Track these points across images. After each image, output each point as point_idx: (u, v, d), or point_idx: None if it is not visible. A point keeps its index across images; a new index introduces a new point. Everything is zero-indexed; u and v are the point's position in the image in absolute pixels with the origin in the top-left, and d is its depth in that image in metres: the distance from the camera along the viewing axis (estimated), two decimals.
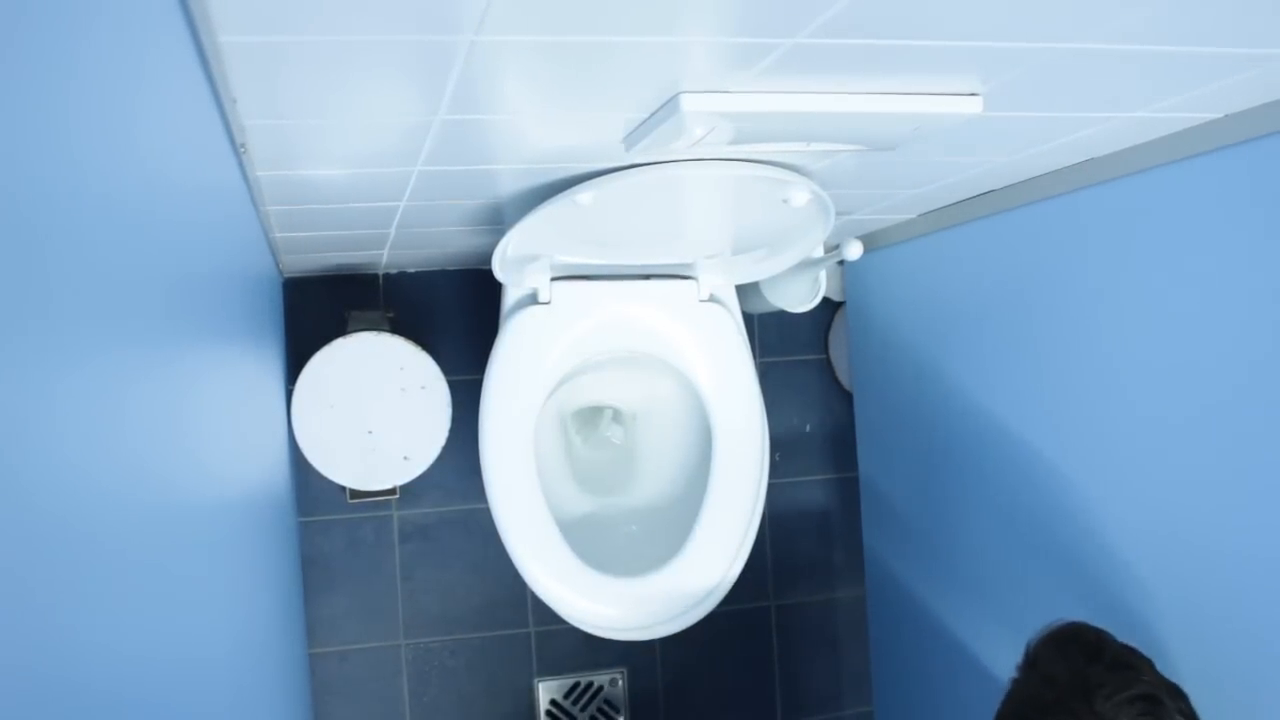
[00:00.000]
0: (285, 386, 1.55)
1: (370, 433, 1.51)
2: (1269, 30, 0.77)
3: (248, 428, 1.01)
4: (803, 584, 1.92)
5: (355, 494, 1.69)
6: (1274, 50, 0.81)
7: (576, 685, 1.78)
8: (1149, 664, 0.98)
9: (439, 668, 1.75)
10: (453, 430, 1.53)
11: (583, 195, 1.12)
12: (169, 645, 0.55)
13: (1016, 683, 1.04)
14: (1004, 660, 1.42)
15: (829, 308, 1.89)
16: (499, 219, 1.33)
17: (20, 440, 0.32)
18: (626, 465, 1.70)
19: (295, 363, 1.56)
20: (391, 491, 1.71)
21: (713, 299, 1.50)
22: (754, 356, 1.54)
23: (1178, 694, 0.94)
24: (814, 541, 1.93)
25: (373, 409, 1.51)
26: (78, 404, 0.39)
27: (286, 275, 1.68)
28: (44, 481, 0.34)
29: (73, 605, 0.37)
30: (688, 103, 0.85)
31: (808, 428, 1.93)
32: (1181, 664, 1.10)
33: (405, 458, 1.52)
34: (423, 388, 1.53)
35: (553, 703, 1.79)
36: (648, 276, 1.49)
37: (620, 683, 1.80)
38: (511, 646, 1.78)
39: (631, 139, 0.97)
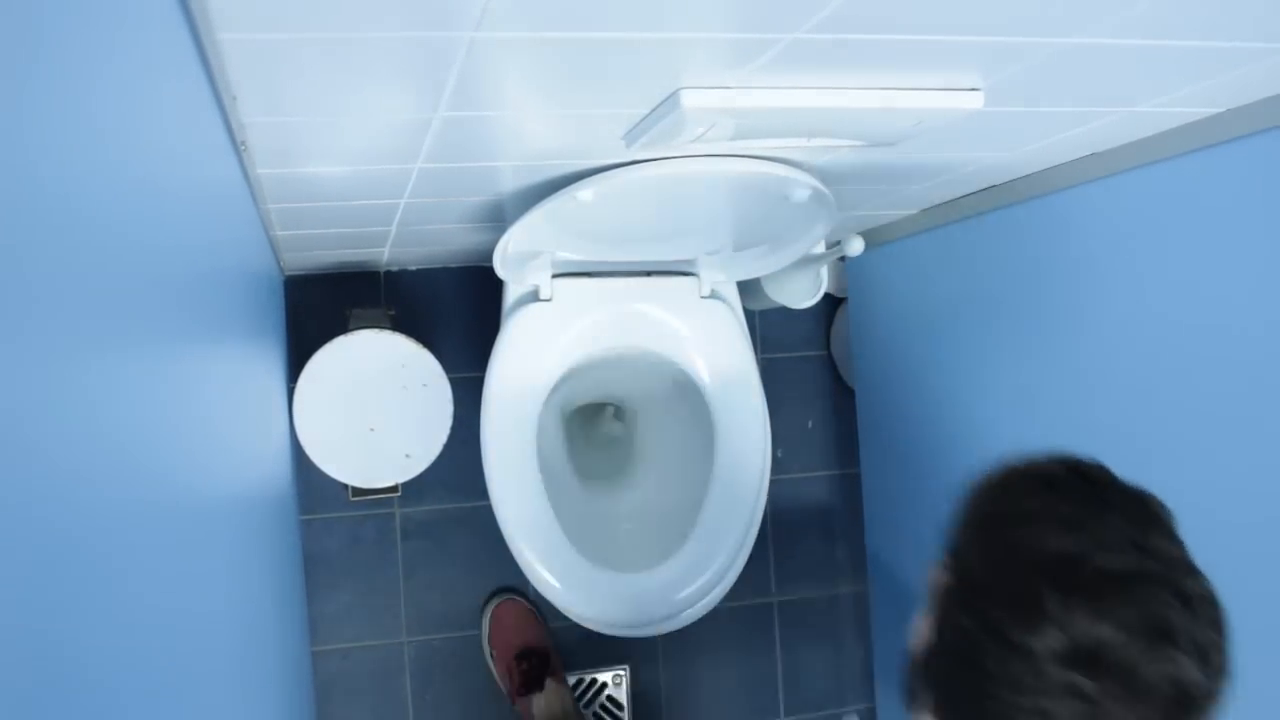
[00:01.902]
0: (286, 385, 1.55)
1: (372, 430, 1.51)
2: (1270, 24, 0.77)
3: (249, 426, 1.01)
4: (805, 580, 1.92)
5: (357, 492, 1.69)
6: (1274, 44, 0.81)
7: (579, 682, 1.78)
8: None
9: (441, 665, 1.75)
10: (454, 428, 1.53)
11: (583, 192, 1.12)
12: (171, 643, 0.55)
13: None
14: None
15: (831, 304, 1.89)
16: (500, 216, 1.33)
17: (22, 438, 0.32)
18: (628, 462, 1.70)
19: (297, 361, 1.56)
20: (393, 489, 1.71)
21: (714, 295, 1.50)
22: (756, 353, 1.54)
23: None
24: (816, 538, 1.93)
25: (374, 407, 1.51)
26: (78, 402, 0.39)
27: (288, 273, 1.68)
28: (46, 480, 0.34)
29: (76, 602, 0.37)
30: (687, 99, 0.85)
31: (810, 424, 1.93)
32: None
33: (407, 455, 1.52)
34: (424, 385, 1.53)
35: None
36: (649, 273, 1.49)
37: (623, 680, 1.80)
38: None
39: (632, 135, 0.97)
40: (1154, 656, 0.61)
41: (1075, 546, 0.64)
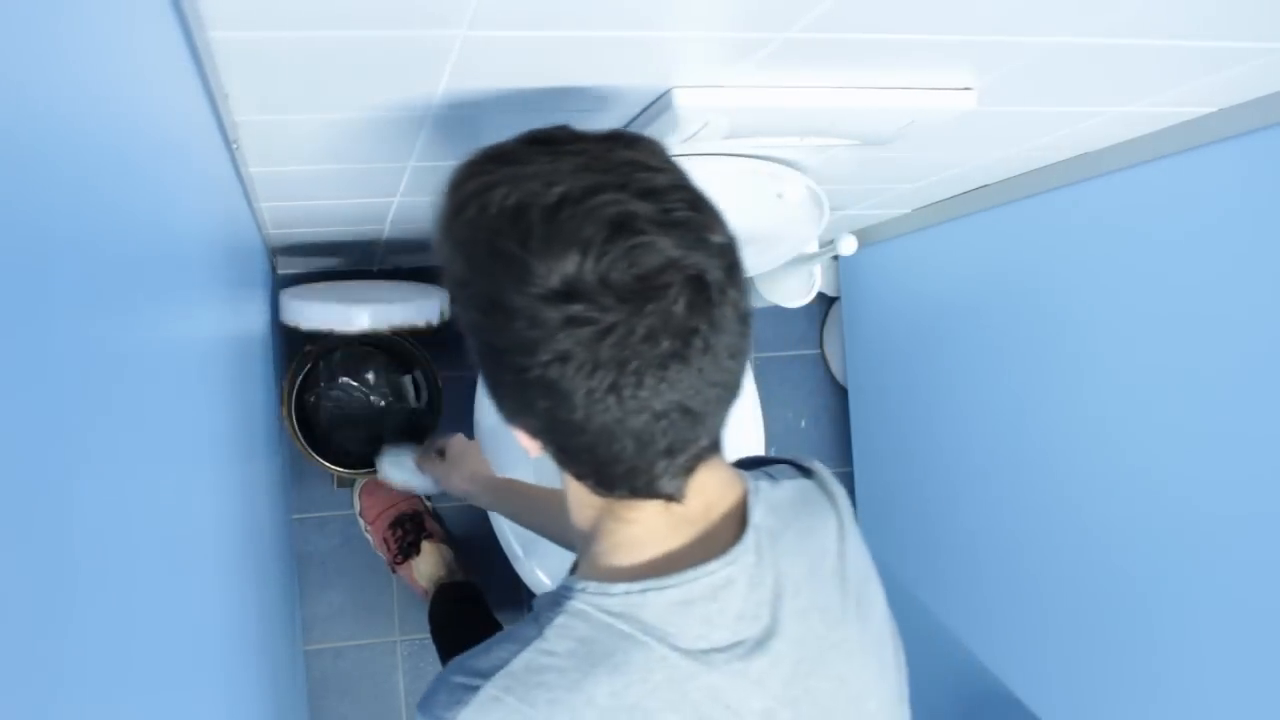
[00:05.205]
0: (277, 383, 1.55)
1: (362, 298, 1.49)
2: (1262, 24, 0.77)
3: (240, 424, 1.01)
4: None
5: (341, 482, 1.69)
6: (1267, 44, 0.81)
7: None
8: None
9: (435, 663, 1.74)
10: (448, 425, 1.53)
11: None
12: (162, 641, 0.54)
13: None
14: (999, 656, 1.42)
15: (824, 302, 1.89)
16: None
17: (15, 436, 0.32)
18: None
19: (288, 358, 1.56)
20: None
21: None
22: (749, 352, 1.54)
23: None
24: None
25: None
26: (75, 398, 0.39)
27: (281, 272, 1.67)
28: (39, 479, 0.34)
29: (66, 599, 0.37)
30: (680, 98, 0.85)
31: (802, 423, 1.93)
32: (1172, 655, 1.10)
33: None
34: None
35: None
36: None
37: None
38: None
39: None
40: (624, 251, 0.59)
41: (522, 196, 0.61)
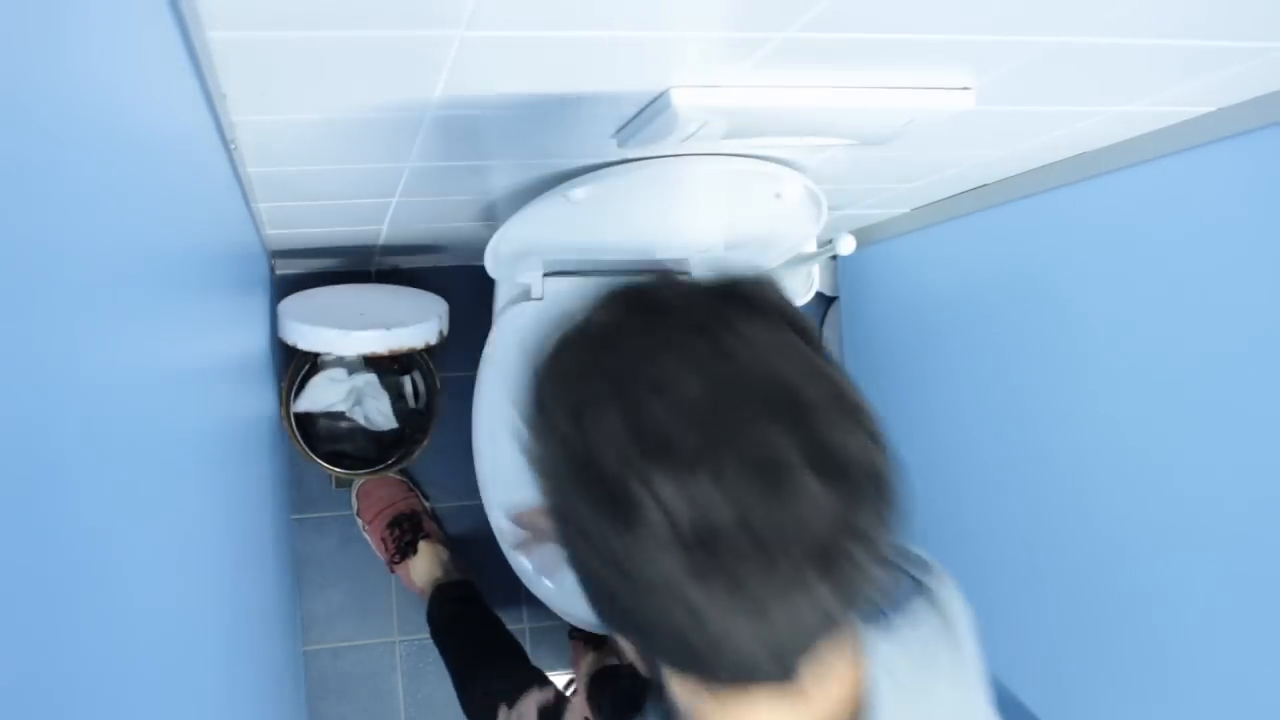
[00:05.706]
0: (277, 384, 1.55)
1: (362, 315, 1.50)
2: (1261, 23, 0.77)
3: (239, 425, 1.01)
4: None
5: (340, 482, 1.69)
6: (1266, 43, 0.81)
7: (571, 681, 1.78)
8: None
9: (434, 664, 1.74)
10: (446, 426, 1.53)
11: (575, 191, 1.11)
12: (163, 643, 0.54)
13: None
14: (998, 658, 1.42)
15: (822, 302, 1.89)
16: (492, 215, 1.33)
17: (13, 438, 0.32)
18: None
19: (287, 359, 1.56)
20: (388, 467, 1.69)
21: None
22: None
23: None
24: None
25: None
26: (73, 400, 0.38)
27: (279, 273, 1.67)
28: (36, 480, 0.34)
29: (67, 596, 0.37)
30: (678, 98, 0.85)
31: None
32: (1174, 654, 1.10)
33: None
34: None
35: None
36: (641, 272, 1.48)
37: None
38: None
39: (623, 135, 0.97)
40: (774, 502, 0.49)
41: (642, 424, 0.50)
